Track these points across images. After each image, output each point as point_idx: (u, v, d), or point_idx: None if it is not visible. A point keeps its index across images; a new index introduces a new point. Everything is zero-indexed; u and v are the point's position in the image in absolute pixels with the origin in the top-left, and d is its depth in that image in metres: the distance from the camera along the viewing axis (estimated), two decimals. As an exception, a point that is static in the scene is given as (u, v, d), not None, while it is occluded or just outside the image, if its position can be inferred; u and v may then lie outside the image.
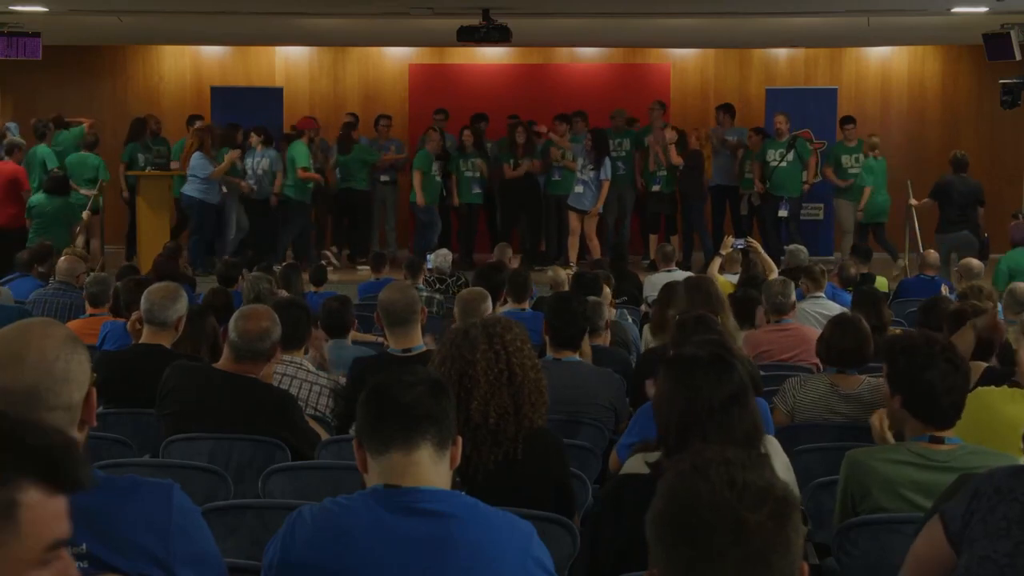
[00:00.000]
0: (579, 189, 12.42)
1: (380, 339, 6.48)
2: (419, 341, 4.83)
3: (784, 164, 12.82)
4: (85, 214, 11.41)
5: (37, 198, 11.19)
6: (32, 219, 11.09)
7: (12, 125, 12.54)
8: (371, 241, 13.34)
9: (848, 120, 13.23)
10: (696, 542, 1.54)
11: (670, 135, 12.84)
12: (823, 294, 7.58)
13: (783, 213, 12.76)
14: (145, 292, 5.01)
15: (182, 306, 4.96)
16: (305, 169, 12.51)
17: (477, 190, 13.12)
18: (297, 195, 12.61)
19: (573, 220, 12.50)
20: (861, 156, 12.83)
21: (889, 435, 3.58)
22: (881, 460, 3.34)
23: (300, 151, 12.57)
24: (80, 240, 11.25)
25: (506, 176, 13.10)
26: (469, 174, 13.04)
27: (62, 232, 11.03)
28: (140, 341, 4.99)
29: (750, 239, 9.73)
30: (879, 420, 3.65)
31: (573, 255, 12.36)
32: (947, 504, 2.43)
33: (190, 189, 12.19)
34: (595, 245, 12.30)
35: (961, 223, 11.82)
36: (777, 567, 1.53)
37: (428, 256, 10.15)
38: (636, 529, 2.02)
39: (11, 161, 11.78)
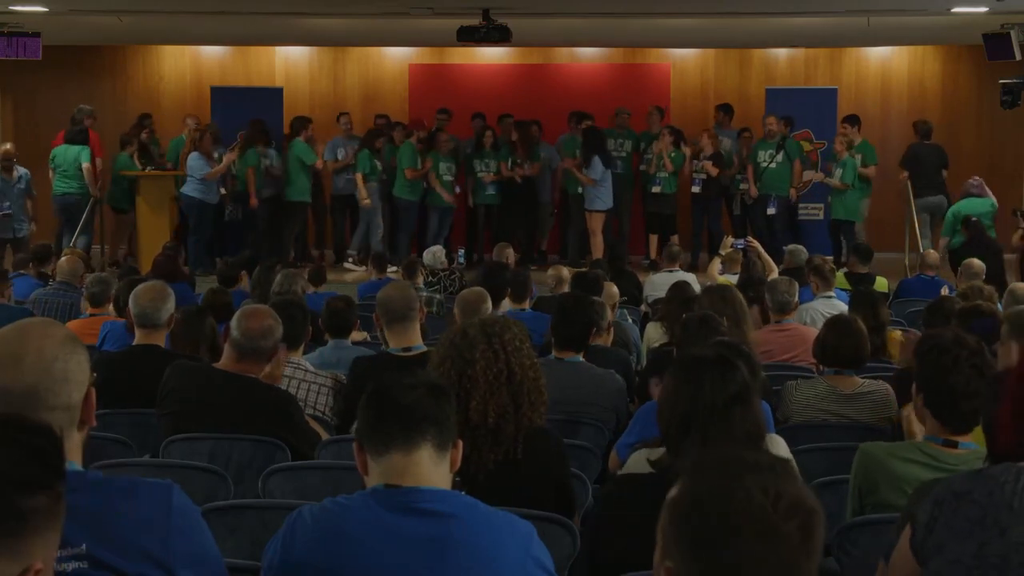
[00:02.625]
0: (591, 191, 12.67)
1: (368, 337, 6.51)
2: (418, 340, 4.84)
3: (773, 165, 12.84)
4: (85, 166, 12.10)
5: (57, 149, 12.23)
6: (55, 169, 12.15)
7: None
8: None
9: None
10: (725, 546, 1.56)
11: (666, 144, 12.89)
12: (833, 293, 7.56)
13: (771, 211, 12.78)
14: (133, 296, 5.02)
15: (172, 303, 5.00)
16: (413, 169, 12.64)
17: (492, 191, 13.15)
18: (407, 195, 12.75)
19: (589, 220, 12.74)
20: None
21: (917, 428, 3.56)
22: (892, 457, 3.36)
23: (405, 152, 12.71)
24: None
25: (503, 173, 13.11)
26: (483, 174, 13.07)
27: (83, 183, 12.08)
28: (135, 343, 5.00)
29: (750, 239, 9.74)
30: (908, 412, 3.64)
31: (596, 254, 12.48)
32: (917, 509, 2.44)
33: (189, 189, 12.21)
34: (597, 242, 12.36)
35: (934, 188, 12.39)
36: (805, 573, 1.56)
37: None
38: (638, 529, 2.02)
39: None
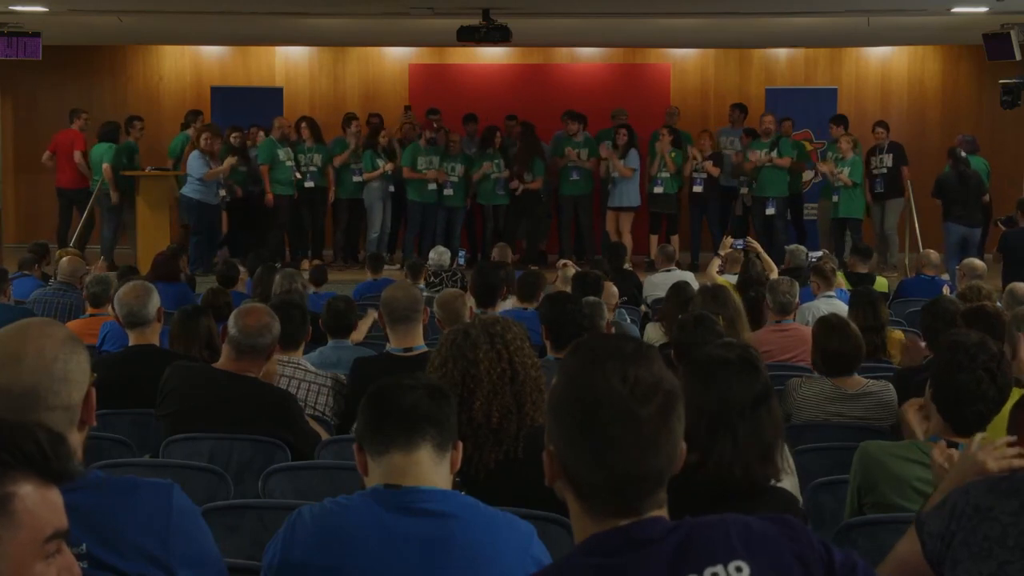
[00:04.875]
0: (611, 187, 12.95)
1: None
2: (420, 341, 4.84)
3: (768, 163, 12.86)
4: (105, 165, 12.36)
5: (95, 147, 12.65)
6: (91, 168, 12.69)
7: None
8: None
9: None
10: (592, 432, 1.69)
11: (666, 144, 12.96)
12: (834, 292, 7.55)
13: (770, 211, 12.80)
14: (116, 300, 5.05)
15: (156, 298, 5.03)
16: (410, 169, 12.74)
17: (501, 192, 13.16)
18: (412, 196, 12.85)
19: (609, 221, 13.02)
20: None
21: (917, 427, 3.54)
22: (891, 456, 3.36)
23: (405, 152, 12.84)
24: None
25: (511, 187, 13.13)
26: (495, 175, 13.08)
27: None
28: (130, 344, 5.00)
29: (750, 239, 9.73)
30: (911, 409, 3.61)
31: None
32: (924, 517, 2.39)
33: (188, 190, 12.20)
34: (627, 241, 12.60)
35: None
36: (664, 450, 1.69)
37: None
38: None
39: (74, 128, 12.99)
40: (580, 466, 1.71)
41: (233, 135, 12.77)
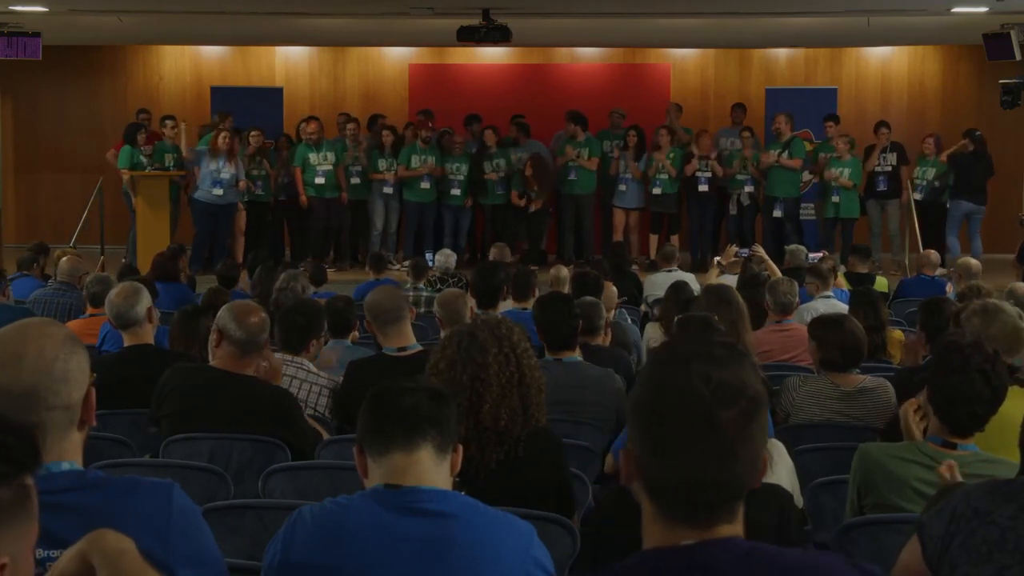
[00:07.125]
0: (622, 188, 13.15)
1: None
2: (412, 340, 4.83)
3: (776, 164, 12.86)
4: (124, 174, 12.34)
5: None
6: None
7: None
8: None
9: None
10: (670, 431, 1.62)
11: (664, 148, 13.01)
12: (831, 293, 7.54)
13: (778, 213, 12.79)
14: (107, 302, 5.04)
15: (146, 297, 5.02)
16: (405, 168, 12.80)
17: (501, 191, 13.15)
18: (411, 196, 12.94)
19: (617, 217, 13.24)
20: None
21: (915, 428, 3.54)
22: (890, 456, 3.36)
23: (402, 153, 12.92)
24: None
25: (513, 202, 13.11)
26: (495, 176, 13.08)
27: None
28: (125, 345, 4.99)
29: (756, 246, 9.61)
30: (910, 408, 3.60)
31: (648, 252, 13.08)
32: (926, 519, 2.39)
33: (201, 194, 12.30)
34: (643, 239, 12.84)
35: None
36: (743, 458, 1.62)
37: (428, 255, 10.30)
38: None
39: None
40: (654, 467, 1.64)
41: (253, 134, 12.78)
